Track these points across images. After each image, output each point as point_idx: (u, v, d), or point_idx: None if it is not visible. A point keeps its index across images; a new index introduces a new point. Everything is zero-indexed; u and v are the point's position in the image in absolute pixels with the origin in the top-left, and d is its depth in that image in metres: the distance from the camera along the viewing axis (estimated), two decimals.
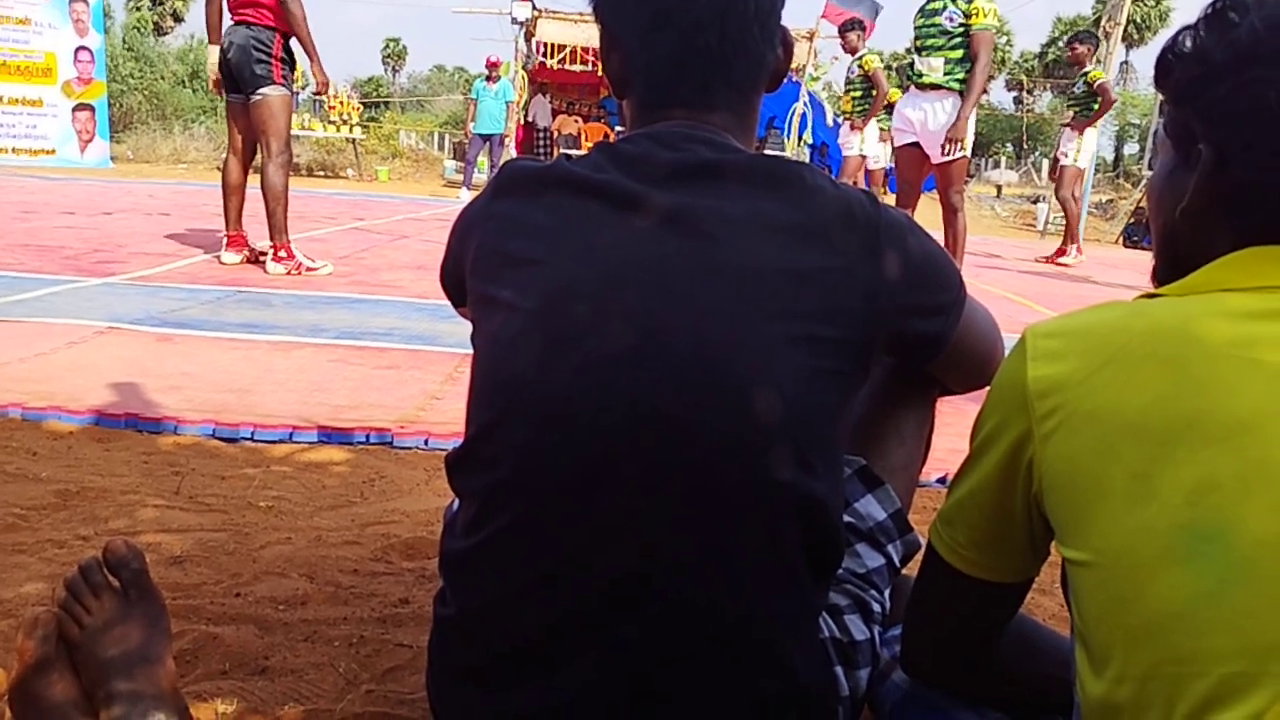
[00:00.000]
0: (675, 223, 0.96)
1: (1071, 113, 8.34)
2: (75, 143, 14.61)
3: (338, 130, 16.45)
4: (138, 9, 35.41)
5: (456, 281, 1.12)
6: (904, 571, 1.21)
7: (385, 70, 59.43)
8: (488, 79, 13.55)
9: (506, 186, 1.07)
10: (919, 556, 1.07)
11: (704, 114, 1.04)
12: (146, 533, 1.76)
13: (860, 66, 8.85)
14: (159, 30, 40.05)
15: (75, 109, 14.55)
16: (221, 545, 1.72)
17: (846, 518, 1.13)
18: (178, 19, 42.07)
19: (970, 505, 0.94)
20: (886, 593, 1.17)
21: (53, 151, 14.31)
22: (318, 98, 4.71)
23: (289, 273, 4.87)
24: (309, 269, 4.94)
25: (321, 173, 17.02)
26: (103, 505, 1.87)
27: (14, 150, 13.89)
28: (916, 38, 5.27)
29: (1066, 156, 8.36)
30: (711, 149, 1.01)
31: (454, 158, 19.12)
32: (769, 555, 0.95)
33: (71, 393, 2.53)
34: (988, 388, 0.93)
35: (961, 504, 0.95)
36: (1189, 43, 0.86)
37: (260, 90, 4.76)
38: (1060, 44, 46.90)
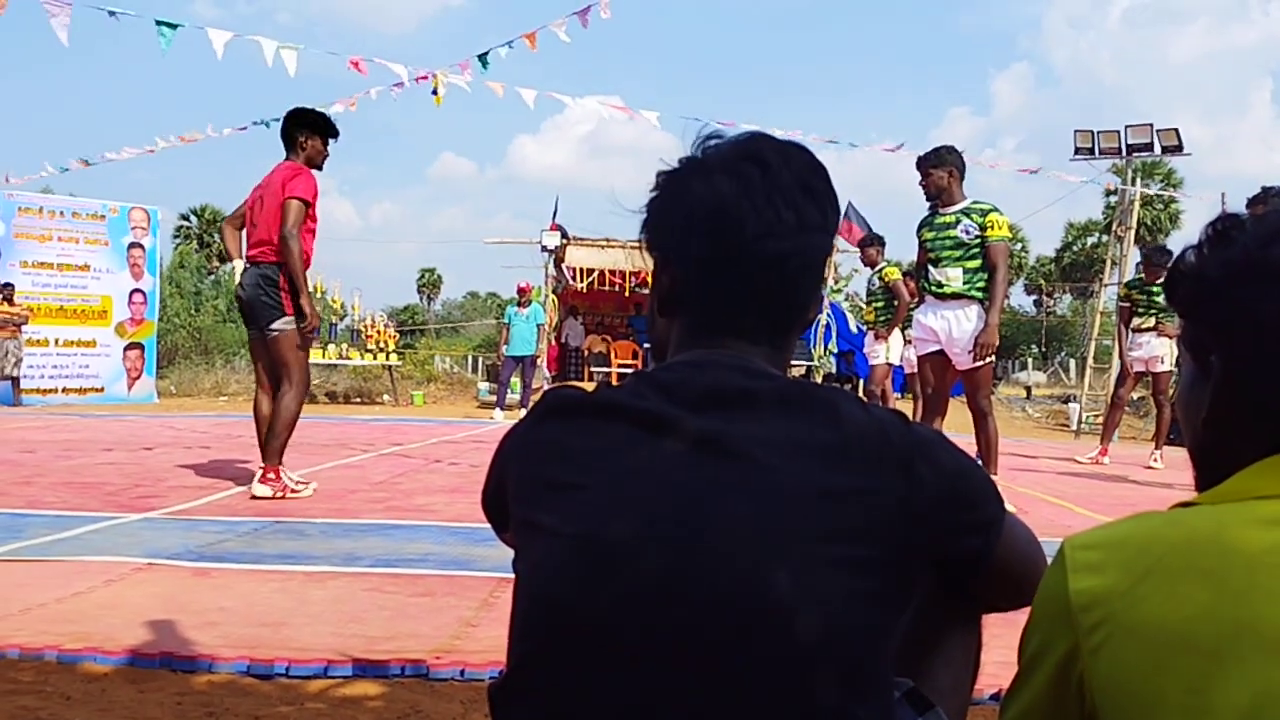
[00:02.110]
0: (709, 446, 0.98)
1: (1155, 319, 8.52)
2: (124, 380, 15.11)
3: (374, 358, 16.93)
4: (185, 249, 37.31)
5: (499, 506, 1.14)
6: None
7: (420, 298, 61.66)
8: (519, 304, 14.03)
9: (547, 412, 1.10)
10: None
11: (748, 346, 1.08)
12: None
13: (881, 278, 9.11)
14: (206, 270, 42.07)
15: (126, 348, 15.13)
16: None
17: None
18: (223, 259, 44.22)
19: None
20: None
21: (101, 389, 14.78)
22: (306, 333, 4.99)
23: (274, 494, 4.94)
24: (292, 491, 5.03)
25: (358, 399, 17.39)
26: None
27: (64, 390, 14.36)
28: (930, 250, 5.43)
29: (1163, 363, 8.54)
30: (744, 375, 1.04)
31: (487, 379, 19.53)
32: None
33: (108, 632, 2.52)
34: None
35: None
36: (1192, 260, 0.91)
37: (273, 325, 5.01)
38: (1074, 248, 48.20)
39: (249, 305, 5.06)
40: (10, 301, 13.36)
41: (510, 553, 1.12)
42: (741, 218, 1.06)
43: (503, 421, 12.44)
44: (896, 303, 8.94)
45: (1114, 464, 8.71)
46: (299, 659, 2.35)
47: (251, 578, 3.23)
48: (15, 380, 13.34)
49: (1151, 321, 8.54)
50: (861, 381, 11.68)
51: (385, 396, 17.51)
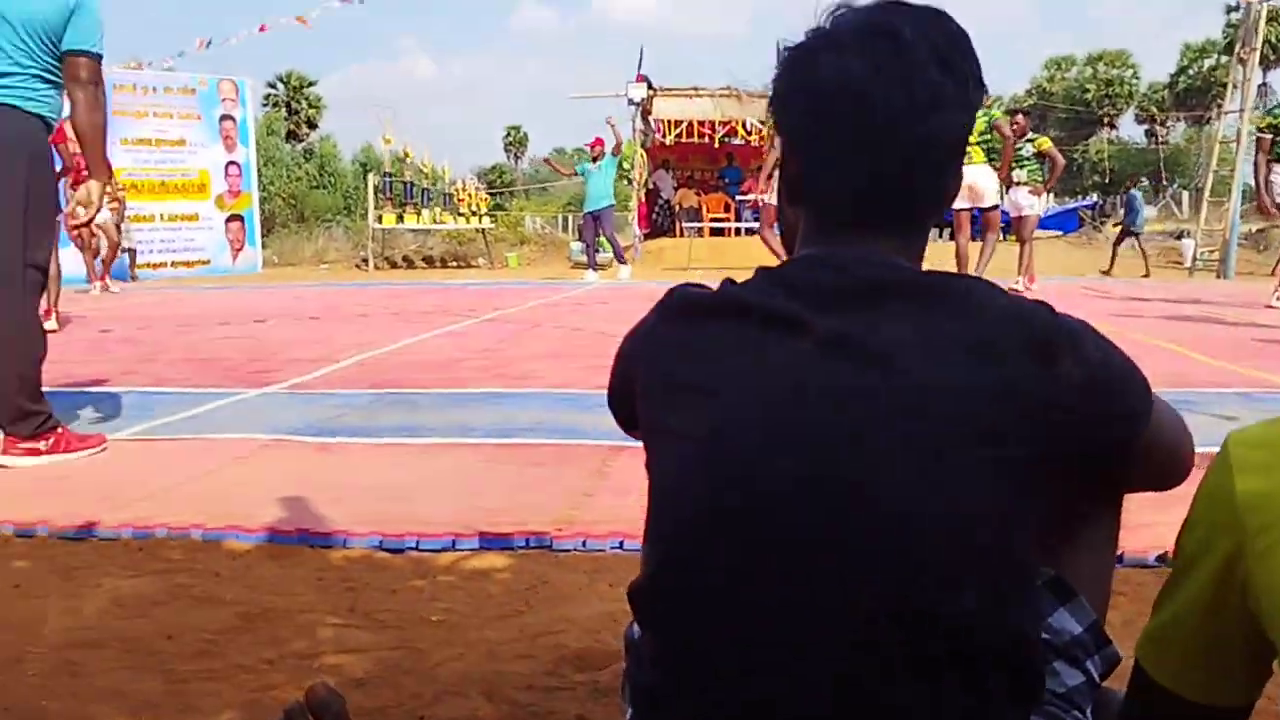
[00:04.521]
0: (841, 346, 0.95)
1: None
2: (228, 251, 15.57)
3: (467, 221, 17.04)
4: (273, 116, 37.64)
5: (625, 406, 1.13)
6: (1104, 685, 1.14)
7: (508, 157, 61.47)
8: (591, 159, 13.80)
9: (673, 311, 1.08)
10: (1119, 670, 1.02)
11: (880, 238, 1.03)
12: (327, 654, 1.81)
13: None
14: (294, 137, 42.53)
15: (228, 220, 15.54)
16: (399, 664, 1.76)
17: (1042, 634, 1.08)
18: (312, 125, 44.60)
19: (1181, 624, 0.89)
20: (1088, 711, 1.11)
21: (208, 262, 15.27)
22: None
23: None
24: None
25: (454, 263, 17.62)
26: (283, 626, 1.94)
27: (173, 264, 14.88)
28: None
29: None
30: (876, 269, 0.99)
31: (579, 239, 19.55)
32: (969, 690, 0.92)
33: (244, 510, 2.64)
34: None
35: (1171, 623, 0.90)
36: None
37: None
38: (1190, 72, 45.37)
39: None
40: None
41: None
42: (872, 100, 0.99)
43: (597, 282, 12.47)
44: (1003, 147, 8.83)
45: (1231, 303, 8.38)
46: (426, 533, 2.44)
47: (371, 451, 3.35)
48: (132, 253, 13.77)
49: None
50: None
51: (480, 260, 17.69)
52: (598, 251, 14.03)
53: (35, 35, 3.19)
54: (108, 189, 10.95)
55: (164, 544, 2.45)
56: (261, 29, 15.47)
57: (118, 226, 11.88)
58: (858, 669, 0.90)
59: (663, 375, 1.04)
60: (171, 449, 3.43)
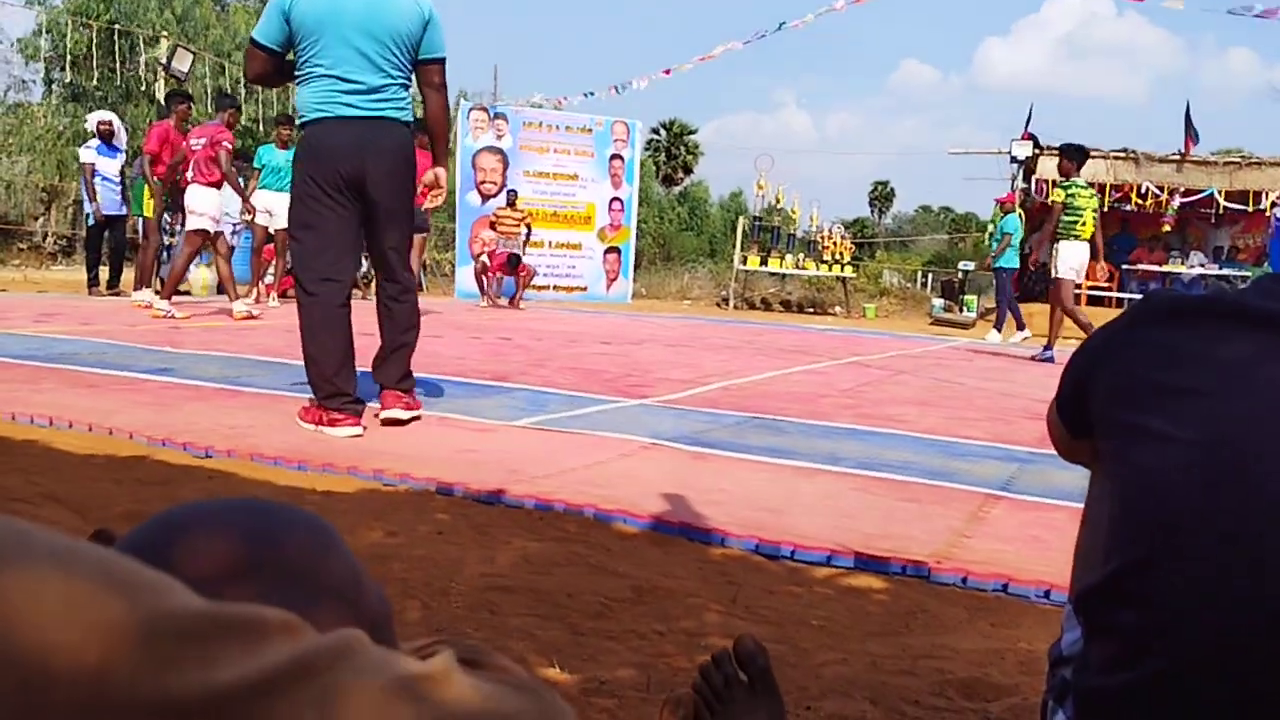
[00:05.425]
0: None
1: None
2: (603, 281, 16.63)
3: (829, 269, 17.11)
4: (649, 160, 39.77)
5: (1076, 406, 1.10)
6: None
7: (871, 211, 61.08)
8: (1003, 214, 13.44)
9: (1152, 315, 1.03)
10: None
11: None
12: (712, 635, 1.87)
13: None
14: (670, 181, 44.71)
15: (606, 251, 16.61)
16: (782, 657, 1.78)
17: None
18: (687, 170, 46.68)
19: None
20: None
21: (585, 289, 16.39)
22: None
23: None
24: None
25: (811, 309, 17.73)
26: (670, 604, 2.03)
27: (555, 288, 16.10)
28: None
29: None
30: None
31: (942, 296, 18.99)
32: None
33: (630, 498, 2.79)
34: None
35: None
36: None
37: None
38: None
39: None
40: (513, 206, 15.09)
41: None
42: None
43: (997, 344, 11.86)
44: None
45: None
46: (803, 545, 2.46)
47: (743, 466, 3.43)
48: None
49: None
50: None
51: (837, 308, 17.68)
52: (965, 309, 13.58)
53: (399, 47, 3.62)
54: (516, 214, 11.92)
55: (561, 517, 2.65)
56: (666, 72, 16.72)
57: (523, 248, 13.14)
58: None
59: (1142, 377, 1.00)
60: (564, 439, 3.71)
